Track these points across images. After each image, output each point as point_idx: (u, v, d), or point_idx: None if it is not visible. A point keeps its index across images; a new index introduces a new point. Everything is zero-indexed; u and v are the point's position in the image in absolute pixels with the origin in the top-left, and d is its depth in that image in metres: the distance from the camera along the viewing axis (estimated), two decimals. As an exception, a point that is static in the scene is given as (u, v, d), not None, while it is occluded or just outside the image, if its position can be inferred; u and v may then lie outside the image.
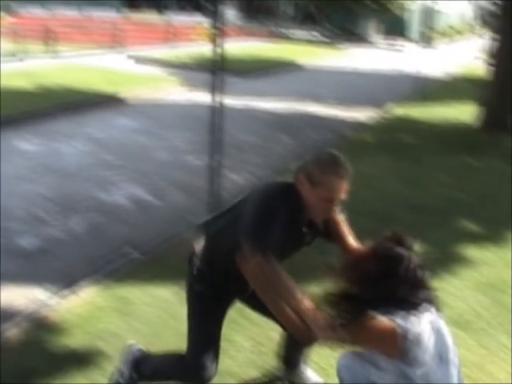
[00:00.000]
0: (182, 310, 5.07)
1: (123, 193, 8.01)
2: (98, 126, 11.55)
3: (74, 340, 4.61)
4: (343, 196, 3.19)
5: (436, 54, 26.53)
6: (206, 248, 3.50)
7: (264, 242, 3.00)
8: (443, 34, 40.94)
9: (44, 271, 5.79)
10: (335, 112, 14.91)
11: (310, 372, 4.19)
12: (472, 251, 6.75)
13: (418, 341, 2.75)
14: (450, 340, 2.92)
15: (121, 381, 3.92)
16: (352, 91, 18.31)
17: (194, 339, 3.59)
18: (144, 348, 4.06)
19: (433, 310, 2.94)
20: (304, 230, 3.32)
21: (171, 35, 26.81)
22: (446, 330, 2.93)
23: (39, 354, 4.43)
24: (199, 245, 3.55)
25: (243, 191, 8.20)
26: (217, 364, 3.55)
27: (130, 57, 21.66)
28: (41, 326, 4.79)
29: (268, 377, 4.33)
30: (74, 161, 9.26)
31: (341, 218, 3.47)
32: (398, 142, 11.89)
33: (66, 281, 5.52)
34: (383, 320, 2.79)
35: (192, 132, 11.29)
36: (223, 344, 4.69)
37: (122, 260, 6.03)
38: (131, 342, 4.19)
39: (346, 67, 24.50)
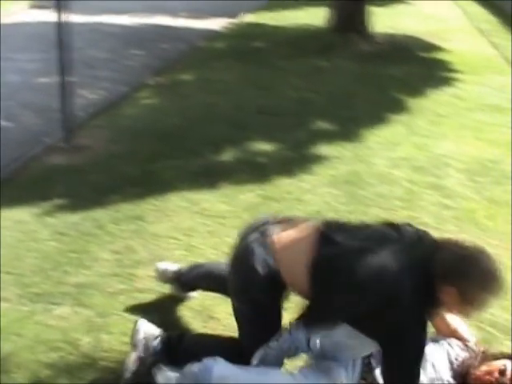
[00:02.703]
0: (40, 230, 5.06)
1: (-28, 119, 7.71)
2: None
3: None
4: None
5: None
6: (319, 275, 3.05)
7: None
8: None
9: None
10: (187, 23, 14.70)
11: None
12: (326, 149, 6.94)
13: None
14: None
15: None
16: (204, 2, 18.09)
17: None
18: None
19: None
20: None
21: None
22: None
23: None
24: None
25: (97, 107, 8.12)
26: None
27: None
28: None
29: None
30: None
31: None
32: (249, 48, 11.91)
33: None
34: None
35: (40, 52, 10.86)
36: (78, 255, 4.71)
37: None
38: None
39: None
